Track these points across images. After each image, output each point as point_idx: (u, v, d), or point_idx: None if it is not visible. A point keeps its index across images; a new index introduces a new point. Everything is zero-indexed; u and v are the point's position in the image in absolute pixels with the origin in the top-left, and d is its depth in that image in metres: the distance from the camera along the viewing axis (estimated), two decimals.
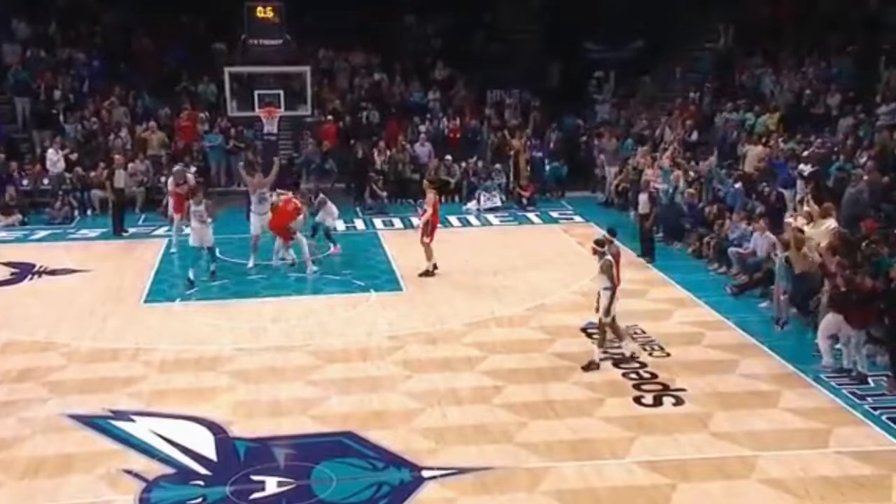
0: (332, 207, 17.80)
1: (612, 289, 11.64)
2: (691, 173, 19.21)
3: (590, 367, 11.61)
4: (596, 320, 13.36)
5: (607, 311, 11.68)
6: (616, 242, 12.57)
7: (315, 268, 16.34)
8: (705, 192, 18.83)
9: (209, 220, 15.39)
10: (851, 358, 11.28)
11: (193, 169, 22.53)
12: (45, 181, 21.99)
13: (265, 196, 16.44)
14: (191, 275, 15.37)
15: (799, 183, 16.53)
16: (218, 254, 16.12)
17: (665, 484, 8.83)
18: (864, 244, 12.93)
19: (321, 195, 18.01)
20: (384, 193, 22.20)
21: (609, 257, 11.75)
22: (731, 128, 21.25)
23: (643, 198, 17.11)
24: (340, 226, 20.36)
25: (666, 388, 11.11)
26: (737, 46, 24.83)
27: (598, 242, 11.94)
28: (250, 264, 16.36)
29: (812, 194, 15.07)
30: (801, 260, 12.80)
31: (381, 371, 11.77)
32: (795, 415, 10.33)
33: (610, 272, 11.62)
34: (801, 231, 13.29)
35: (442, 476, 9.03)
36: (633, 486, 8.85)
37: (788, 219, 14.48)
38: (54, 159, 21.96)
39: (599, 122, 25.76)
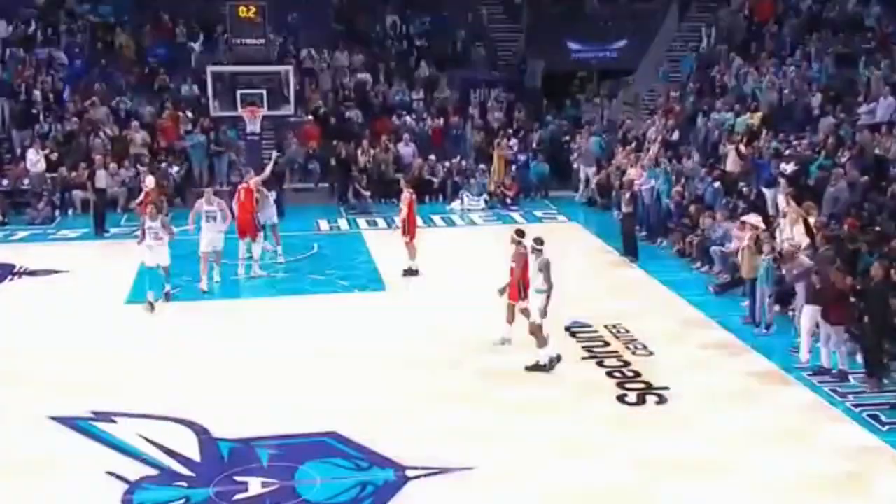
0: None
1: (548, 290, 11.43)
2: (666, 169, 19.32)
3: (535, 367, 11.50)
4: (579, 319, 13.49)
5: (544, 313, 11.46)
6: (524, 242, 12.17)
7: (263, 272, 16.02)
8: (688, 191, 18.93)
9: (166, 237, 14.23)
10: (833, 357, 11.35)
11: (175, 168, 22.46)
12: (26, 181, 21.81)
13: (212, 214, 14.93)
14: (150, 297, 14.10)
15: (781, 182, 16.64)
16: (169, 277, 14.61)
17: (648, 482, 8.86)
18: (846, 242, 13.05)
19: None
20: (368, 193, 22.18)
21: (546, 257, 11.50)
22: (713, 127, 21.38)
23: (626, 197, 17.16)
24: (324, 225, 20.41)
25: (649, 386, 11.15)
26: (719, 47, 24.98)
27: (538, 241, 11.61)
28: (202, 286, 14.98)
29: (792, 194, 15.16)
30: (751, 262, 12.97)
31: (366, 371, 11.75)
32: (777, 413, 10.39)
33: (547, 272, 11.40)
34: (758, 229, 13.41)
35: (426, 475, 9.02)
36: (616, 484, 8.87)
37: (740, 224, 14.44)
38: (34, 159, 21.77)
39: (584, 122, 25.83)
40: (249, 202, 15.86)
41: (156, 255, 14.19)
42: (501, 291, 12.28)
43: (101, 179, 19.81)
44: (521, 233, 12.22)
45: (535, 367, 11.53)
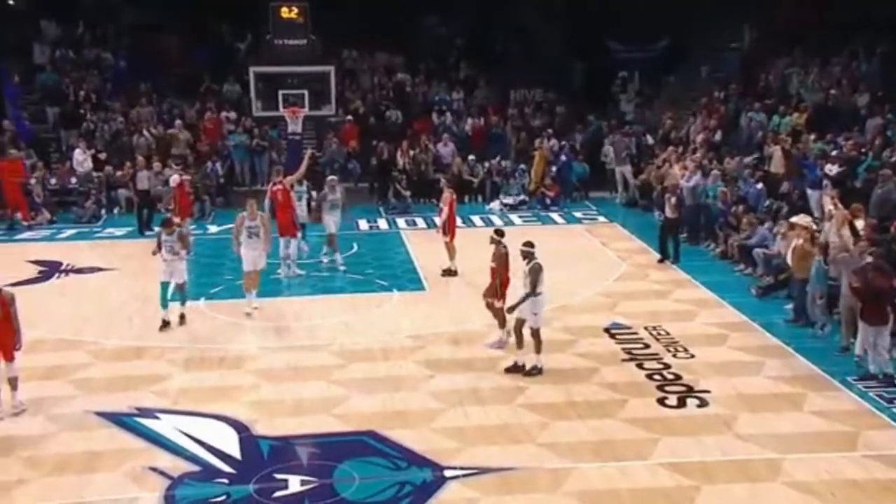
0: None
1: (526, 296, 11.29)
2: (717, 173, 19.07)
3: (531, 371, 11.43)
4: (619, 321, 13.42)
5: (536, 317, 11.32)
6: (504, 242, 12.27)
7: (301, 271, 16.11)
8: (731, 193, 18.69)
9: (182, 252, 13.48)
10: (877, 362, 11.14)
11: (217, 167, 22.75)
12: (73, 180, 22.21)
13: (255, 230, 13.92)
14: (165, 315, 13.47)
15: (826, 184, 16.37)
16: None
17: (689, 486, 8.78)
18: (893, 245, 12.81)
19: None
20: (407, 193, 22.25)
21: (538, 261, 11.37)
22: (756, 128, 21.11)
23: (672, 202, 16.88)
24: (364, 225, 20.49)
25: (690, 389, 11.04)
26: (762, 46, 24.65)
27: (529, 244, 11.55)
28: (255, 304, 14.11)
29: (838, 196, 14.91)
30: (804, 262, 12.76)
31: (404, 371, 11.79)
32: (822, 417, 10.23)
33: (535, 277, 11.23)
34: (809, 230, 13.18)
35: (464, 476, 9.02)
36: (656, 487, 8.80)
37: (789, 225, 14.23)
38: (80, 159, 22.20)
39: (625, 122, 25.66)
40: (287, 202, 15.97)
41: (171, 270, 13.38)
42: (486, 294, 12.38)
43: (143, 180, 20.05)
44: (500, 233, 12.46)
45: (531, 370, 11.48)
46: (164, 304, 13.42)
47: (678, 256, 16.80)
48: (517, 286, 11.78)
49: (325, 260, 16.92)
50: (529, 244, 11.58)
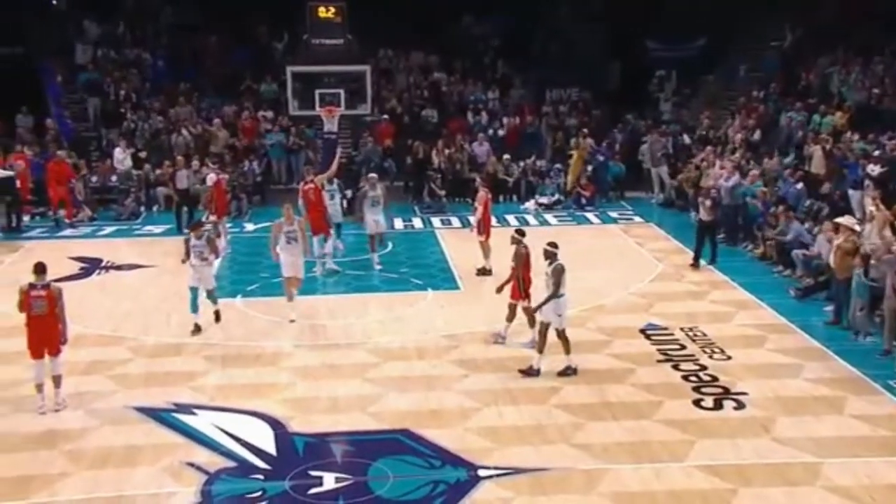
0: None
1: (549, 297, 11.21)
2: (755, 173, 18.84)
3: (566, 372, 11.38)
4: (655, 321, 13.32)
5: (561, 318, 11.29)
6: (525, 242, 12.29)
7: (337, 267, 16.16)
8: (770, 193, 18.47)
9: (211, 257, 13.38)
10: None
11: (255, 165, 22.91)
12: (113, 178, 22.52)
13: (293, 234, 13.68)
14: (197, 319, 13.28)
15: (868, 184, 16.11)
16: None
17: (725, 489, 8.70)
18: None
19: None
20: (442, 192, 22.28)
21: (560, 262, 11.26)
22: (797, 127, 20.83)
23: (707, 203, 16.66)
24: (399, 224, 20.55)
25: (727, 391, 10.93)
26: (803, 44, 24.32)
27: (553, 245, 11.45)
28: (293, 316, 13.69)
29: (880, 197, 14.66)
30: (844, 262, 12.57)
31: (438, 370, 11.81)
32: (862, 421, 10.08)
33: (557, 278, 11.14)
34: (854, 232, 12.99)
35: (498, 476, 9.02)
36: (692, 489, 8.73)
37: (833, 226, 14.01)
38: (120, 157, 22.51)
39: (661, 121, 25.45)
40: (319, 201, 16.06)
41: (199, 276, 13.25)
42: (499, 290, 12.45)
43: (182, 180, 20.22)
44: (521, 233, 12.52)
45: (528, 370, 11.44)
46: (195, 309, 13.30)
47: (715, 257, 16.60)
48: (539, 286, 11.77)
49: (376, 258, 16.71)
50: (553, 245, 11.53)
